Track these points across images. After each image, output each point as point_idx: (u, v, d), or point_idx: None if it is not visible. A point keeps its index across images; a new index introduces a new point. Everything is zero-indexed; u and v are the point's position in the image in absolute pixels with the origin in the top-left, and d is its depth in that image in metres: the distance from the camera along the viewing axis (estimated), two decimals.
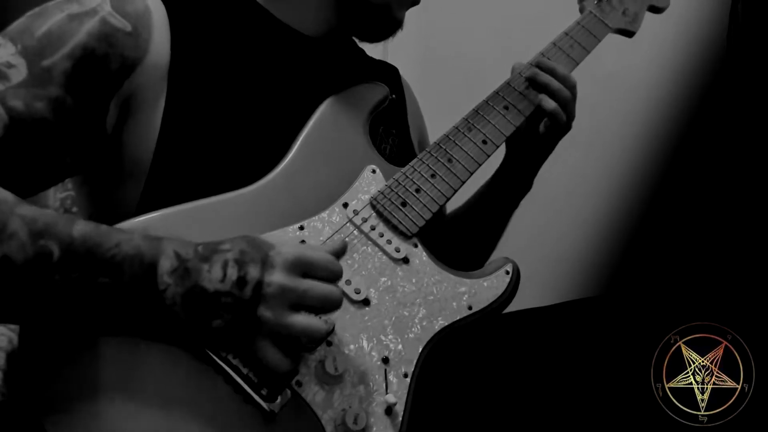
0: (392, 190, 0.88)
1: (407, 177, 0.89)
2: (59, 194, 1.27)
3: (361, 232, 0.85)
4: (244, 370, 0.71)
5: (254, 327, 0.70)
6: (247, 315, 0.69)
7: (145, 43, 0.81)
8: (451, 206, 1.14)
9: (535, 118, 0.99)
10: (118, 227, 0.71)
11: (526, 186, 1.08)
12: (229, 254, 0.70)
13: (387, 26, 0.99)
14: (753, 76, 1.42)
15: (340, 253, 0.77)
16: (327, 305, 0.73)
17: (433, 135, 1.21)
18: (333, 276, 0.74)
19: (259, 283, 0.70)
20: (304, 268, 0.72)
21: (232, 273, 0.69)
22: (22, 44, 0.75)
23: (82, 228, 0.68)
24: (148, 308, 0.69)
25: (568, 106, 0.98)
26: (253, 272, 0.70)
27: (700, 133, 1.60)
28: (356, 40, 1.08)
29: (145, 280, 0.68)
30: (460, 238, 1.13)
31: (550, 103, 0.96)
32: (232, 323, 0.69)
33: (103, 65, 0.78)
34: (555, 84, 0.96)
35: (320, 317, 0.72)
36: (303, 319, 0.70)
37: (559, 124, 0.98)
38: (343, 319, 0.78)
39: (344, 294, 0.78)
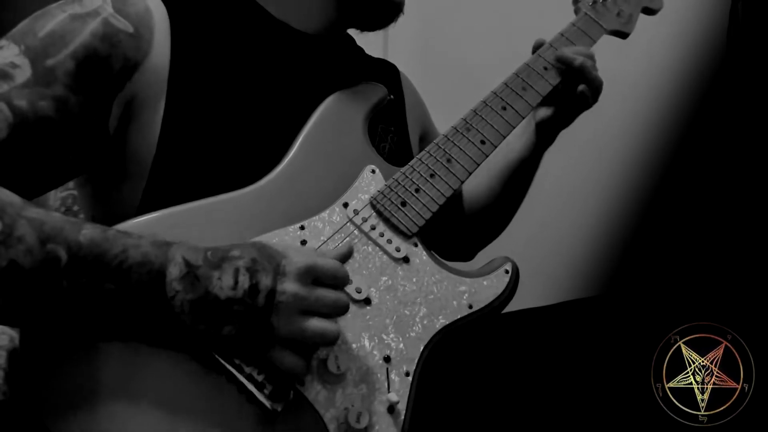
0: (392, 190, 0.88)
1: (407, 177, 0.89)
2: (60, 193, 1.27)
3: (362, 231, 0.85)
4: (247, 370, 0.72)
5: (266, 334, 0.70)
6: (259, 323, 0.70)
7: (147, 44, 0.81)
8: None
9: (564, 91, 1.02)
10: (125, 230, 0.71)
11: (549, 140, 1.11)
12: (240, 262, 0.70)
13: (387, 10, 0.99)
14: (753, 76, 1.42)
15: (347, 257, 0.78)
16: (335, 311, 0.74)
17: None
18: (339, 282, 0.75)
19: (272, 292, 0.70)
20: (314, 275, 0.73)
21: (244, 281, 0.70)
22: (26, 45, 0.75)
23: (89, 233, 0.68)
24: (154, 314, 0.69)
25: (599, 85, 1.02)
26: (265, 281, 0.70)
27: (700, 133, 1.60)
28: (355, 39, 1.09)
29: (153, 287, 0.68)
30: (485, 199, 1.17)
31: (581, 88, 1.00)
32: (244, 330, 0.70)
33: (106, 66, 0.78)
34: (588, 63, 1.00)
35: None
36: (317, 324, 0.71)
37: (586, 102, 1.02)
38: (344, 318, 0.78)
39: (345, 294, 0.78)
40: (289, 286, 0.71)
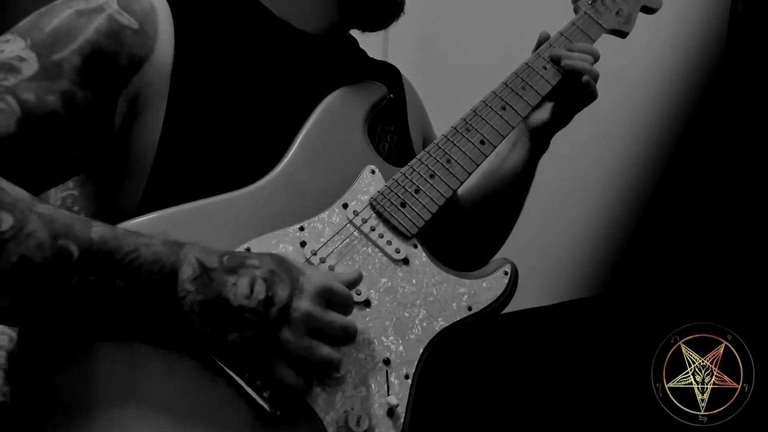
0: (392, 191, 0.88)
1: (406, 178, 0.89)
2: (60, 193, 1.27)
3: (361, 233, 0.85)
4: (247, 374, 0.72)
5: (272, 346, 0.70)
6: (268, 334, 0.70)
7: (152, 41, 0.81)
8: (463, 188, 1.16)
9: (562, 89, 1.03)
10: (133, 230, 0.71)
11: (544, 146, 1.12)
12: (257, 271, 0.71)
13: (388, 11, 0.99)
14: (753, 76, 1.42)
15: (355, 284, 0.79)
16: (343, 337, 0.75)
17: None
18: (348, 308, 0.76)
19: (286, 306, 0.71)
20: (327, 297, 0.74)
21: (260, 291, 0.70)
22: (32, 39, 0.75)
23: (100, 230, 0.68)
24: (162, 312, 0.69)
25: (596, 78, 1.03)
26: (281, 294, 0.71)
27: (700, 133, 1.60)
28: (358, 42, 1.08)
29: (164, 286, 0.68)
30: (484, 213, 1.16)
31: (586, 78, 1.01)
32: (251, 339, 0.70)
33: (112, 62, 0.78)
34: (587, 64, 1.02)
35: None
36: (324, 349, 0.72)
37: (591, 94, 1.03)
38: None
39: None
40: (304, 304, 0.71)
